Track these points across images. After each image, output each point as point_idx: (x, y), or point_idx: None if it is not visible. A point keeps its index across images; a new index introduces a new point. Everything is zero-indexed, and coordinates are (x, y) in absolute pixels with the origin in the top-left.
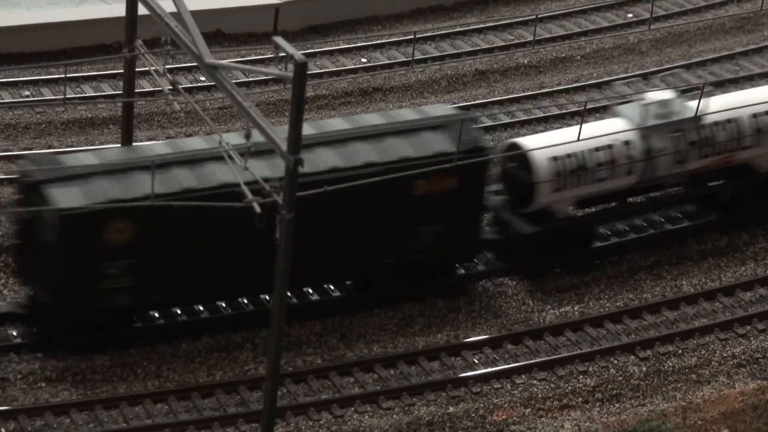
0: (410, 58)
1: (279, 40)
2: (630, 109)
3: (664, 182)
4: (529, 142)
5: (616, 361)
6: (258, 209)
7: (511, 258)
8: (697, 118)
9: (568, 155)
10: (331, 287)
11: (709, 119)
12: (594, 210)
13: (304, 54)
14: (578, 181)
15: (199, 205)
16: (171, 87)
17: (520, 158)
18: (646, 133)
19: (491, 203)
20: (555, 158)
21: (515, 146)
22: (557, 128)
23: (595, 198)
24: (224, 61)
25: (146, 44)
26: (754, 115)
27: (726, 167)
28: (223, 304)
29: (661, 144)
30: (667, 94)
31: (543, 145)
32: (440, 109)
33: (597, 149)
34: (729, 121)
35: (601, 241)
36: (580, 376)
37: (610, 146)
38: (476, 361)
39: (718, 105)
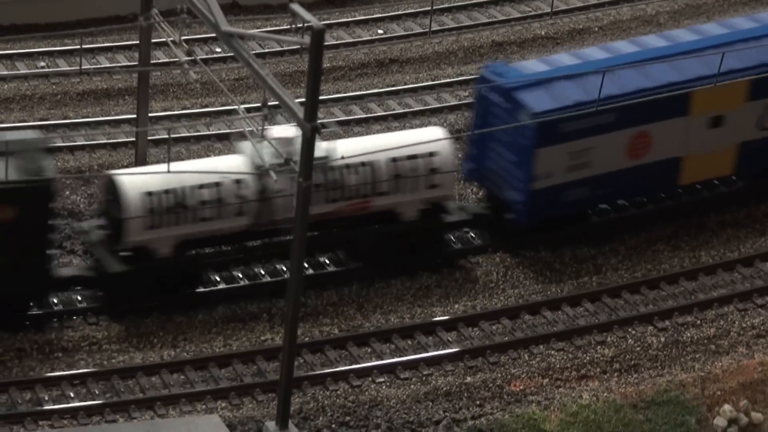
0: (427, 30)
1: (296, 6)
2: (248, 147)
3: (282, 226)
4: (125, 176)
5: (634, 332)
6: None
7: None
8: (322, 159)
9: (166, 191)
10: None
11: (339, 163)
12: (200, 252)
13: None
14: (177, 219)
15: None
16: (187, 56)
17: (114, 192)
18: (263, 172)
19: (90, 238)
20: (150, 193)
21: (111, 180)
22: None
23: (203, 239)
24: (240, 29)
25: (162, 15)
26: (394, 160)
27: (364, 213)
28: (240, 275)
29: (279, 185)
30: (290, 132)
31: (138, 179)
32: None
33: (201, 186)
34: (363, 164)
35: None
36: (598, 347)
37: (217, 184)
38: (494, 332)
39: (353, 148)
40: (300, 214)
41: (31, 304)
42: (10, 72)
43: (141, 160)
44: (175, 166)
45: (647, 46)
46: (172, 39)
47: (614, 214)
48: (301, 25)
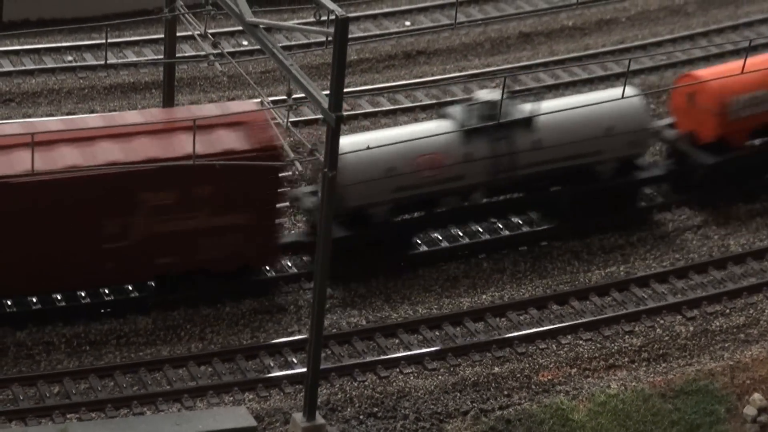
0: (454, 21)
1: None
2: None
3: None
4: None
5: (662, 321)
6: (299, 168)
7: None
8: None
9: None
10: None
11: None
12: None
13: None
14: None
15: None
16: (213, 49)
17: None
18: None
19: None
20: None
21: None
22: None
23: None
24: (265, 20)
25: (188, 8)
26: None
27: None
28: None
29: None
30: (495, 95)
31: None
32: None
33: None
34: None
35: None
36: (626, 336)
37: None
38: (521, 322)
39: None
40: (326, 204)
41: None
42: (38, 66)
43: None
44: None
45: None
46: (198, 32)
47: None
48: (325, 15)
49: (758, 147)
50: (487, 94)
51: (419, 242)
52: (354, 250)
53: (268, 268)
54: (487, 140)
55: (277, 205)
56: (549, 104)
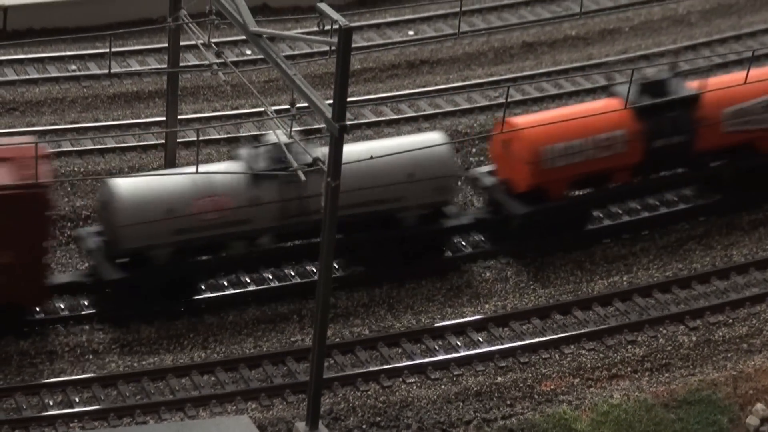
0: (457, 31)
1: (323, 6)
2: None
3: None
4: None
5: (665, 331)
6: (302, 177)
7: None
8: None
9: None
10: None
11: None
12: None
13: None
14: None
15: None
16: (216, 58)
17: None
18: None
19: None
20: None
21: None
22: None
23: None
24: (268, 30)
25: (191, 17)
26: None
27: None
28: (270, 276)
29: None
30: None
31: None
32: None
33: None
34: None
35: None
36: (629, 346)
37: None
38: (524, 331)
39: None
40: (329, 214)
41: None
42: (42, 75)
43: (170, 162)
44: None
45: None
46: (201, 41)
47: (646, 213)
48: (328, 25)
49: (575, 198)
50: (280, 135)
51: (206, 286)
52: (136, 292)
53: (38, 309)
54: (276, 184)
55: (44, 244)
56: (350, 148)
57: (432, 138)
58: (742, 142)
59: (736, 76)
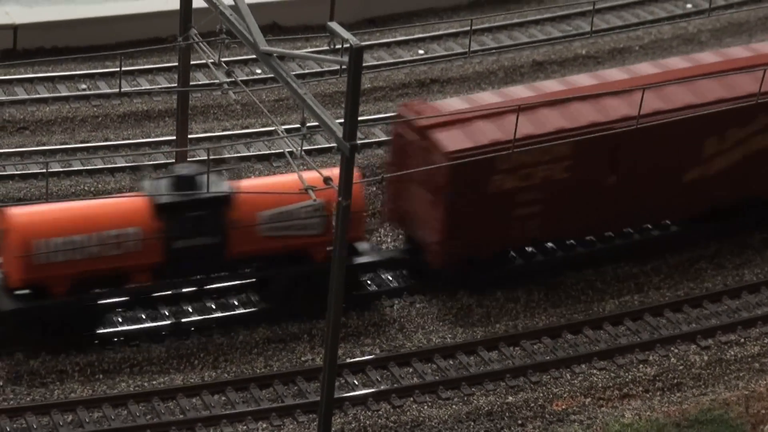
0: (467, 50)
1: (334, 25)
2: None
3: None
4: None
5: (676, 350)
6: (314, 197)
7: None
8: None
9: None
10: (389, 278)
11: None
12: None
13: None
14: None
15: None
16: (227, 76)
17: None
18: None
19: None
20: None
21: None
22: None
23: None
24: (279, 49)
25: (201, 36)
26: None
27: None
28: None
29: None
30: None
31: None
32: None
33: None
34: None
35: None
36: (641, 365)
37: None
38: (535, 351)
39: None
40: (340, 234)
41: None
42: (52, 94)
43: None
44: None
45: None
46: (211, 60)
47: (656, 232)
48: (339, 44)
49: (85, 297)
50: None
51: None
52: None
53: None
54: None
55: None
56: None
57: None
58: (291, 249)
59: (280, 178)
